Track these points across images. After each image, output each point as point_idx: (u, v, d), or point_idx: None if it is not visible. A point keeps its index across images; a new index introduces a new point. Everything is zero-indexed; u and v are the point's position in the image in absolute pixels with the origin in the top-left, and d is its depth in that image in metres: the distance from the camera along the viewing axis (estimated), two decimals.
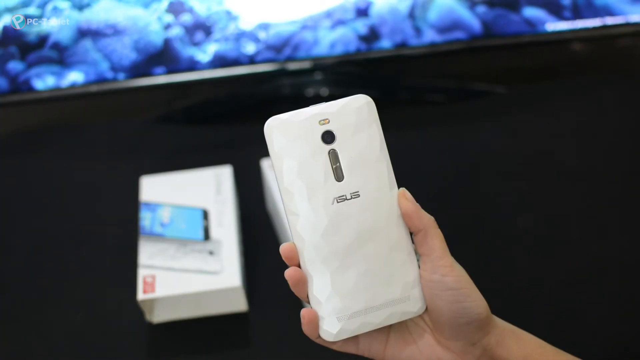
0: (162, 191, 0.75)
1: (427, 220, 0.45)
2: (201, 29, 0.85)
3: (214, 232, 0.70)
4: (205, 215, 0.72)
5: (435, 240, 0.45)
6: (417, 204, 0.46)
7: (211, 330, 0.69)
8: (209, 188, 0.75)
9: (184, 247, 0.69)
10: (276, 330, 0.68)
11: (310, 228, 0.44)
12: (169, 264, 0.67)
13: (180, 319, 0.70)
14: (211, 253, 0.68)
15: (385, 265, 0.45)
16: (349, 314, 0.44)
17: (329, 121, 0.46)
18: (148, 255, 0.68)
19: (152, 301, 0.68)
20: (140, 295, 0.65)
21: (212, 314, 0.70)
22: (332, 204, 0.45)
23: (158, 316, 0.70)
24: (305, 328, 0.45)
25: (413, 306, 0.46)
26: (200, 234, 0.70)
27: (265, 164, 0.76)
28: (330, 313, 0.44)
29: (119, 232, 0.77)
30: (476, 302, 0.45)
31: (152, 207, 0.73)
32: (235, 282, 0.66)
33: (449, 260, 0.45)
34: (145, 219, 0.72)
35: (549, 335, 0.66)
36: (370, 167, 0.46)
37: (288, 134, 0.47)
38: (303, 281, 0.45)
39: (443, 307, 0.45)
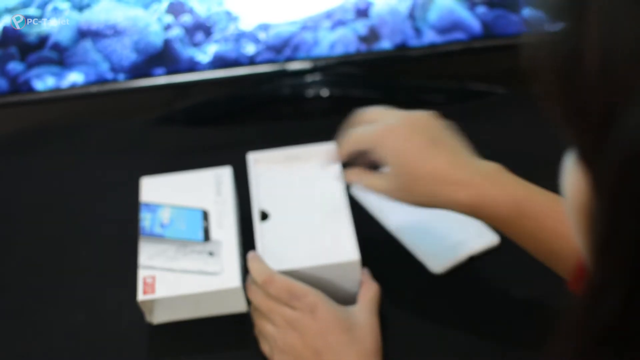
0: (162, 192, 0.75)
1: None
2: (201, 29, 0.85)
3: (213, 233, 0.70)
4: (205, 216, 0.72)
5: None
6: None
7: (211, 331, 0.69)
8: (209, 189, 0.75)
9: (184, 248, 0.69)
10: None
11: None
12: (169, 265, 0.67)
13: (180, 319, 0.70)
14: (211, 254, 0.68)
15: None
16: None
17: None
18: (148, 256, 0.68)
19: (152, 302, 0.68)
20: (140, 296, 0.65)
21: (212, 314, 0.70)
22: None
23: (158, 317, 0.70)
24: None
25: None
26: (200, 235, 0.70)
27: (251, 157, 0.76)
28: None
29: (119, 233, 0.77)
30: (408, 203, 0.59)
31: (152, 207, 0.73)
32: (235, 283, 0.66)
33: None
34: (145, 219, 0.72)
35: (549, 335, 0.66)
36: None
37: None
38: None
39: None
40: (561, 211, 0.51)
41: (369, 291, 0.62)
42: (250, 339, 0.68)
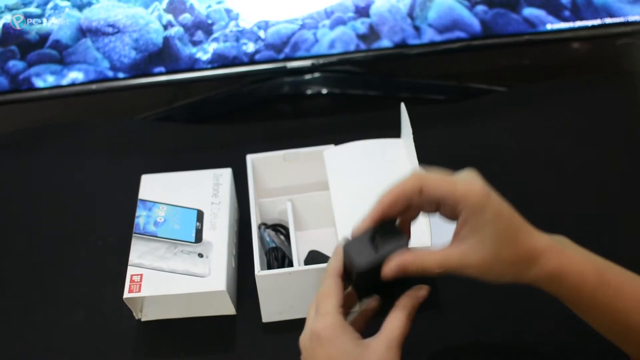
0: (160, 190, 0.75)
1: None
2: (201, 27, 0.85)
3: (206, 234, 0.70)
4: (199, 216, 0.72)
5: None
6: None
7: (198, 332, 0.69)
8: (207, 189, 0.75)
9: (174, 247, 0.69)
10: (264, 335, 0.68)
11: None
12: (158, 264, 0.67)
13: (170, 318, 0.70)
14: (200, 256, 0.68)
15: None
16: None
17: None
18: (138, 254, 0.68)
19: (138, 300, 0.68)
20: (126, 294, 0.65)
21: (202, 315, 0.70)
22: None
23: (146, 315, 0.70)
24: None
25: None
26: (192, 235, 0.70)
27: (249, 158, 0.76)
28: None
29: (119, 231, 0.77)
30: (492, 280, 0.49)
31: (149, 205, 0.73)
32: (220, 287, 0.65)
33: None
34: (141, 217, 0.72)
35: (551, 335, 0.66)
36: None
37: None
38: None
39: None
40: (639, 284, 0.50)
41: (396, 327, 0.50)
42: (236, 343, 0.68)
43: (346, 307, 0.52)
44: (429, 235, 0.62)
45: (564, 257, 0.50)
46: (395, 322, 0.49)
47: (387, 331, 0.49)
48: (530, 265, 0.49)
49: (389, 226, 0.51)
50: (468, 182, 0.49)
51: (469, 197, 0.48)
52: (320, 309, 0.50)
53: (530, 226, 0.50)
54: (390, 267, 0.49)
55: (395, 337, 0.49)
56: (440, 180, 0.49)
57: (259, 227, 0.74)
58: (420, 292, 0.52)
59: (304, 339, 0.51)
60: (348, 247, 0.51)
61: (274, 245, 0.72)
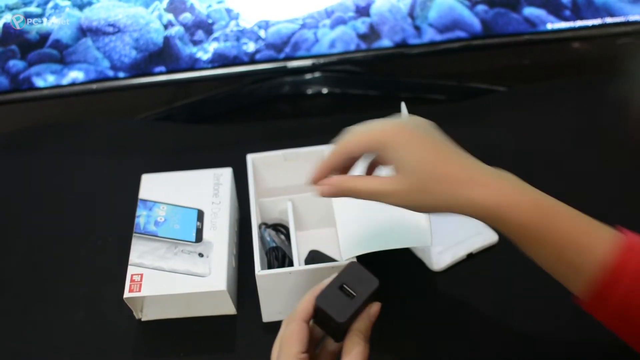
0: (160, 189, 0.75)
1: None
2: (201, 27, 0.85)
3: (206, 234, 0.70)
4: (199, 216, 0.72)
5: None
6: None
7: (199, 332, 0.69)
8: (207, 189, 0.75)
9: (174, 247, 0.69)
10: (265, 335, 0.68)
11: None
12: (158, 264, 0.67)
13: (170, 318, 0.70)
14: (201, 255, 0.68)
15: None
16: None
17: None
18: (138, 254, 0.68)
19: (139, 299, 0.68)
20: (126, 294, 0.65)
21: (202, 315, 0.70)
22: None
23: (147, 314, 0.70)
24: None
25: None
26: (192, 235, 0.70)
27: (250, 158, 0.76)
28: None
29: (119, 230, 0.77)
30: (419, 210, 0.53)
31: (149, 205, 0.73)
32: (221, 286, 0.65)
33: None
34: (141, 216, 0.72)
35: (550, 335, 0.66)
36: None
37: None
38: None
39: None
40: (585, 223, 0.51)
41: (356, 353, 0.50)
42: (236, 343, 0.68)
43: (311, 350, 0.52)
44: (429, 234, 0.62)
45: (502, 192, 0.51)
46: (355, 350, 0.50)
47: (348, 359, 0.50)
48: (458, 196, 0.51)
49: (354, 270, 0.52)
50: (382, 126, 0.54)
51: (382, 140, 0.52)
52: (281, 356, 0.50)
53: (464, 157, 0.53)
54: (327, 188, 0.54)
55: None
56: (359, 139, 0.54)
57: (260, 227, 0.74)
58: (372, 310, 0.52)
59: None
60: (321, 302, 0.50)
61: (274, 244, 0.72)
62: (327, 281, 0.52)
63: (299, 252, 0.71)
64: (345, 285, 0.51)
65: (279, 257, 0.70)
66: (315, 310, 0.51)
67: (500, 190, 0.51)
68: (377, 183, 0.53)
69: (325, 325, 0.52)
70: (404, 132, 0.53)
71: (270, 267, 0.70)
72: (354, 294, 0.51)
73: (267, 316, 0.69)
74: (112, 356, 0.68)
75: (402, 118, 0.56)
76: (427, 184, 0.51)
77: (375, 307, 0.52)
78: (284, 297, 0.66)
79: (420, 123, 0.55)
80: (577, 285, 0.51)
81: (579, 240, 0.50)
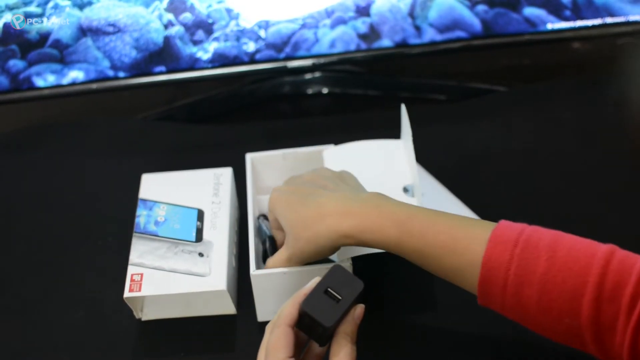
0: (160, 189, 0.75)
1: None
2: (201, 27, 0.85)
3: (206, 234, 0.70)
4: (199, 216, 0.72)
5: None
6: None
7: (199, 331, 0.69)
8: (207, 189, 0.75)
9: (175, 247, 0.69)
10: (259, 335, 0.68)
11: None
12: (158, 264, 0.67)
13: (170, 317, 0.70)
14: (201, 255, 0.68)
15: None
16: None
17: None
18: (138, 254, 0.68)
19: (139, 299, 0.68)
20: (126, 293, 0.65)
21: (202, 314, 0.70)
22: None
23: (147, 314, 0.70)
24: None
25: None
26: (193, 235, 0.70)
27: (249, 157, 0.76)
28: None
29: (119, 230, 0.77)
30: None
31: (149, 204, 0.73)
32: (221, 286, 0.65)
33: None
34: (141, 216, 0.72)
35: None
36: None
37: None
38: None
39: None
40: (450, 225, 0.53)
41: (343, 356, 0.50)
42: (236, 343, 0.68)
43: (297, 355, 0.52)
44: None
45: (360, 217, 0.55)
46: (342, 353, 0.50)
47: None
48: (323, 230, 0.56)
49: (338, 273, 0.52)
50: (270, 201, 0.64)
51: (271, 210, 0.64)
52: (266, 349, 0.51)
53: (330, 197, 0.58)
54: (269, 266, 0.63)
55: None
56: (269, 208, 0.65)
57: (258, 218, 0.74)
58: (357, 312, 0.52)
59: None
60: (307, 307, 0.50)
61: (270, 234, 0.72)
62: (310, 285, 0.52)
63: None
64: (330, 289, 0.51)
65: (276, 247, 0.70)
66: (300, 315, 0.51)
67: (359, 216, 0.55)
68: (276, 257, 0.63)
69: (311, 330, 0.52)
70: (274, 197, 0.63)
71: (265, 257, 0.70)
72: (340, 297, 0.51)
73: (262, 315, 0.69)
74: (112, 356, 0.68)
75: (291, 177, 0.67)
76: (296, 232, 0.59)
77: (359, 309, 0.52)
78: (279, 297, 0.65)
79: (297, 177, 0.66)
80: (467, 286, 0.54)
81: (449, 244, 0.53)
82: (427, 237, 0.53)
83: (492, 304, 0.53)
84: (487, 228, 0.52)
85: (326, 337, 0.51)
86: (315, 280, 0.52)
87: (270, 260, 0.63)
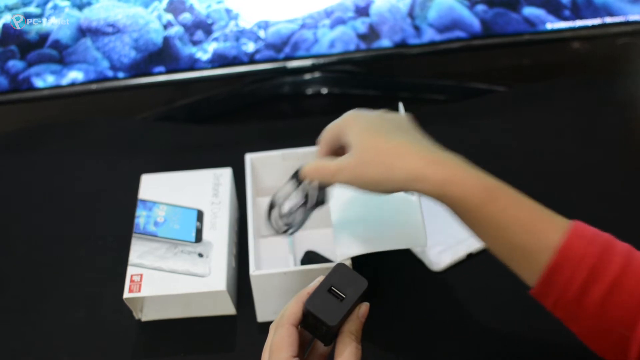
0: (160, 190, 0.75)
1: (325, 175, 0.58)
2: (201, 27, 0.85)
3: (206, 234, 0.70)
4: (199, 216, 0.72)
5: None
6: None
7: (198, 332, 0.69)
8: (207, 189, 0.75)
9: (174, 247, 0.69)
10: (263, 335, 0.68)
11: None
12: (158, 264, 0.67)
13: (170, 318, 0.70)
14: (200, 255, 0.68)
15: None
16: None
17: None
18: (138, 254, 0.68)
19: (138, 300, 0.68)
20: (126, 294, 0.65)
21: (201, 315, 0.70)
22: None
23: (146, 314, 0.70)
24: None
25: None
26: (192, 235, 0.70)
27: (248, 157, 0.76)
28: None
29: (119, 230, 0.77)
30: (374, 190, 0.55)
31: (149, 205, 0.73)
32: (221, 286, 0.65)
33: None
34: (141, 217, 0.72)
35: (549, 334, 0.66)
36: None
37: None
38: None
39: None
40: (533, 207, 0.52)
41: (348, 355, 0.50)
42: (238, 341, 0.68)
43: (301, 354, 0.51)
44: (424, 236, 0.62)
45: (448, 168, 0.53)
46: (346, 352, 0.49)
47: None
48: (402, 167, 0.53)
49: (342, 272, 0.51)
50: (342, 116, 0.60)
51: (341, 127, 0.59)
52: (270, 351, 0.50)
53: (413, 137, 0.56)
54: (308, 173, 0.59)
55: None
56: (329, 130, 0.60)
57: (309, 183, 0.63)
58: (361, 310, 0.51)
59: None
60: (311, 306, 0.50)
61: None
62: (314, 284, 0.51)
63: (295, 253, 0.71)
64: (333, 288, 0.50)
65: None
66: (304, 314, 0.51)
67: (446, 167, 0.53)
68: (333, 161, 0.57)
69: (315, 329, 0.51)
70: (358, 116, 0.59)
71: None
72: (344, 295, 0.50)
73: (262, 316, 0.69)
74: (111, 356, 0.68)
75: (365, 110, 0.61)
76: (368, 157, 0.55)
77: (364, 308, 0.51)
78: (279, 297, 0.66)
79: (385, 112, 0.60)
80: (526, 270, 0.52)
81: (528, 224, 0.51)
82: (509, 210, 0.52)
83: (548, 295, 0.51)
84: (566, 220, 0.51)
85: (330, 336, 0.51)
86: (319, 279, 0.52)
87: (325, 164, 0.58)
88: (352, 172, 0.55)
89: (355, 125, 0.58)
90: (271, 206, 0.63)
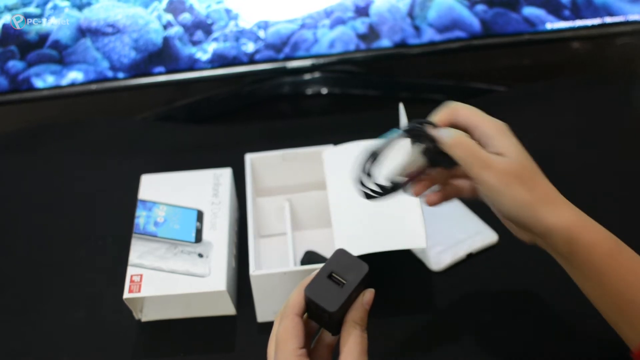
0: (160, 190, 0.75)
1: (454, 144, 0.54)
2: (201, 27, 0.85)
3: (206, 234, 0.70)
4: (199, 216, 0.72)
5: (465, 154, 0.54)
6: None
7: (198, 332, 0.69)
8: (207, 189, 0.75)
9: (174, 248, 0.69)
10: (263, 335, 0.68)
11: None
12: (158, 264, 0.67)
13: (170, 318, 0.70)
14: (200, 256, 0.68)
15: None
16: None
17: None
18: (138, 255, 0.68)
19: (138, 300, 0.68)
20: (126, 294, 0.65)
21: (201, 315, 0.70)
22: None
23: (146, 315, 0.70)
24: None
25: None
26: (192, 235, 0.70)
27: (248, 157, 0.76)
28: None
29: (119, 231, 0.77)
30: (507, 206, 0.53)
31: (149, 205, 0.73)
32: (221, 287, 0.65)
33: (479, 168, 0.53)
34: (141, 217, 0.72)
35: (548, 335, 0.66)
36: None
37: None
38: None
39: (486, 201, 0.55)
40: None
41: (354, 345, 0.48)
42: (238, 341, 0.68)
43: (308, 345, 0.50)
44: (424, 237, 0.62)
45: (581, 215, 0.53)
46: (351, 340, 0.48)
47: (349, 355, 0.48)
48: (545, 207, 0.52)
49: (342, 257, 0.50)
50: (495, 119, 0.57)
51: (493, 126, 0.55)
52: (278, 354, 0.48)
53: (540, 204, 0.53)
54: (454, 146, 0.54)
55: (357, 357, 0.48)
56: (473, 113, 0.57)
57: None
58: (366, 297, 0.50)
59: None
60: (310, 293, 0.49)
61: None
62: (315, 272, 0.50)
63: (295, 252, 0.71)
64: (334, 274, 0.49)
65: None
66: (306, 302, 0.50)
67: (580, 215, 0.54)
68: (484, 151, 0.54)
69: (319, 317, 0.50)
70: (508, 127, 0.56)
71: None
72: (344, 281, 0.49)
73: (262, 316, 0.69)
74: (111, 356, 0.68)
75: None
76: (525, 175, 0.53)
77: (368, 294, 0.50)
78: (279, 297, 0.66)
79: None
80: (630, 327, 0.51)
81: None
82: (635, 263, 0.52)
83: None
84: None
85: (335, 325, 0.50)
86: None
87: (481, 149, 0.54)
88: (500, 177, 0.53)
89: (512, 137, 0.55)
90: (371, 160, 0.56)
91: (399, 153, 0.56)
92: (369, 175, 0.56)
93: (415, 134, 0.56)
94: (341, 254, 0.50)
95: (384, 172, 0.56)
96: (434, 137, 0.55)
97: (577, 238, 0.52)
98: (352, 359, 0.47)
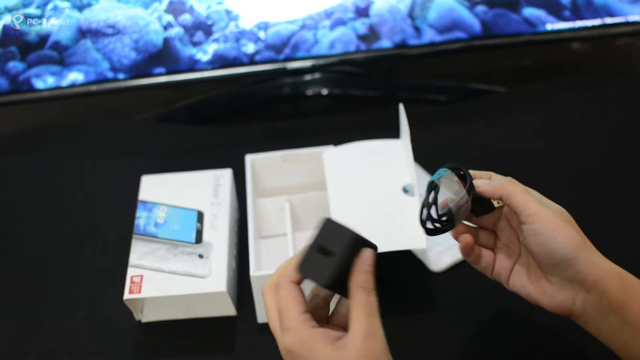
0: (160, 191, 0.75)
1: (502, 187, 0.54)
2: (201, 28, 0.85)
3: (206, 235, 0.70)
4: (199, 217, 0.72)
5: (516, 197, 0.53)
6: (488, 181, 0.55)
7: (199, 333, 0.69)
8: (207, 190, 0.75)
9: (174, 248, 0.69)
10: (263, 336, 0.68)
11: None
12: (158, 265, 0.67)
13: (170, 319, 0.70)
14: (201, 256, 0.68)
15: None
16: None
17: None
18: (138, 255, 0.68)
19: (139, 301, 0.68)
20: (126, 295, 0.65)
21: (202, 316, 0.70)
22: None
23: (147, 316, 0.70)
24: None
25: None
26: (192, 236, 0.70)
27: (248, 158, 0.76)
28: None
29: (119, 231, 0.77)
30: (563, 243, 0.51)
31: (149, 206, 0.73)
32: (221, 287, 0.65)
33: (534, 208, 0.52)
34: (141, 218, 0.72)
35: (548, 335, 0.66)
36: None
37: None
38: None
39: (535, 249, 0.53)
40: None
41: (362, 309, 0.47)
42: (238, 342, 0.68)
43: (312, 310, 0.49)
44: (424, 237, 0.62)
45: (628, 286, 0.50)
46: (356, 305, 0.47)
47: (355, 320, 0.46)
48: (596, 252, 0.52)
49: (329, 228, 0.48)
50: (511, 183, 0.55)
51: (542, 217, 0.52)
52: (283, 323, 0.47)
53: (592, 250, 0.52)
54: (493, 192, 0.54)
55: (366, 323, 0.46)
56: (522, 194, 0.54)
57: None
58: (363, 258, 0.48)
59: (282, 354, 0.48)
60: (301, 269, 0.47)
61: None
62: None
63: (295, 253, 0.71)
64: (324, 246, 0.47)
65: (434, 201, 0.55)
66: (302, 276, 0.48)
67: (625, 285, 0.51)
68: (535, 200, 0.53)
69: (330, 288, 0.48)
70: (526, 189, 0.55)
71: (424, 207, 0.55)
72: (335, 251, 0.47)
73: (262, 317, 0.69)
74: (112, 357, 0.68)
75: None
76: (573, 220, 0.54)
77: (365, 254, 0.48)
78: None
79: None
80: None
81: None
82: None
83: None
84: None
85: (346, 291, 0.48)
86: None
87: (529, 196, 0.53)
88: (554, 218, 0.52)
89: (532, 193, 0.54)
90: (431, 203, 0.54)
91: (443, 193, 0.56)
92: (430, 210, 0.55)
93: (463, 174, 0.56)
94: (328, 223, 0.48)
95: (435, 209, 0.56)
96: (478, 185, 0.55)
97: (632, 285, 0.50)
98: (358, 323, 0.46)
